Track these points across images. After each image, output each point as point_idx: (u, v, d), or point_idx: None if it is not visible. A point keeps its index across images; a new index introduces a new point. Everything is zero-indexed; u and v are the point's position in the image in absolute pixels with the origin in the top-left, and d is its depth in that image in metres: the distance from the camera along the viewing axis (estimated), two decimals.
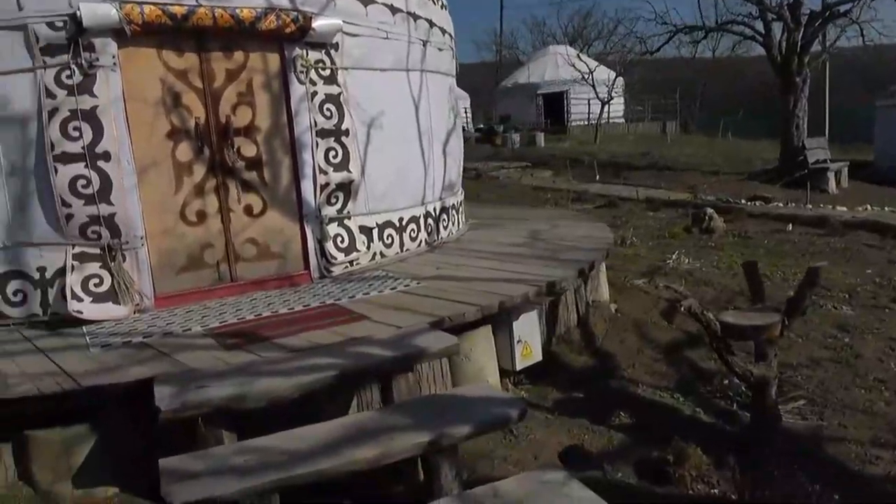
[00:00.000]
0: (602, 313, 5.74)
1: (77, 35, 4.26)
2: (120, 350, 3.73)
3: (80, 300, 4.37)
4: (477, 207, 9.54)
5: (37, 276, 4.44)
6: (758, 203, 12.28)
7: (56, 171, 4.28)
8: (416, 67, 6.07)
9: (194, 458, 2.68)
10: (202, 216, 4.84)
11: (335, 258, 5.26)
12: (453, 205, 6.93)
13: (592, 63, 30.77)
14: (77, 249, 4.44)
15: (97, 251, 4.46)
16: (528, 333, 4.66)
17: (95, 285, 4.43)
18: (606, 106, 28.46)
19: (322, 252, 5.24)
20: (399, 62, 5.84)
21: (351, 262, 5.42)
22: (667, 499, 3.34)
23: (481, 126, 28.74)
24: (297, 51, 5.01)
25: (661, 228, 10.24)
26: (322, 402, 3.30)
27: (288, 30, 4.85)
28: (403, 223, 5.97)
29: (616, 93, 29.60)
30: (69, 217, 4.36)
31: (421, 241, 6.22)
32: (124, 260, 4.51)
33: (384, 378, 3.37)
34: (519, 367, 4.62)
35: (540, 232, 7.02)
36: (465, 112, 30.42)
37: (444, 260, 5.71)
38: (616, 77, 29.08)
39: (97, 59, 4.32)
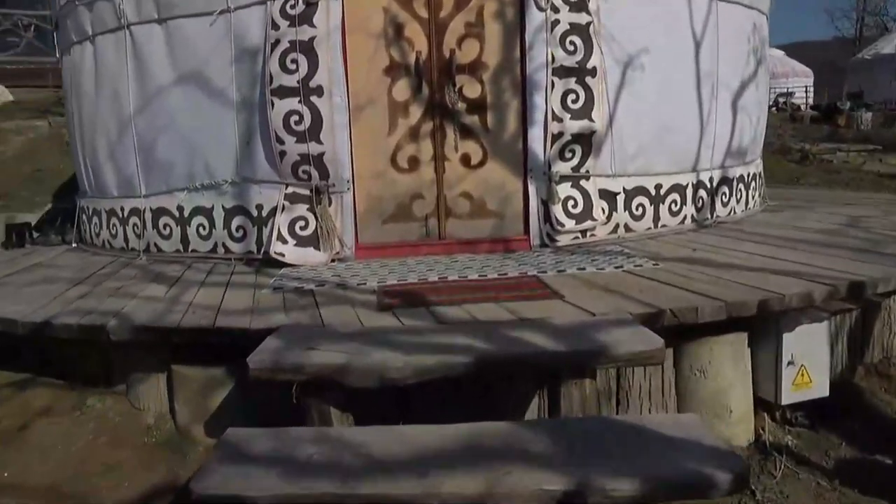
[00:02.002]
0: None
1: None
2: (285, 295, 3.41)
3: (284, 241, 4.21)
4: (788, 190, 7.61)
5: (255, 213, 4.41)
6: None
7: (273, 105, 4.14)
8: None
9: (265, 434, 2.13)
10: (414, 163, 4.34)
11: (562, 225, 4.34)
12: (741, 176, 5.42)
13: None
14: (290, 189, 4.28)
15: (307, 192, 4.25)
16: (809, 354, 3.21)
17: (301, 228, 4.24)
18: None
19: (547, 216, 4.36)
20: None
21: (583, 233, 4.44)
22: None
23: (818, 105, 24.19)
24: None
25: None
26: (461, 393, 2.51)
27: None
28: (661, 192, 4.76)
29: None
30: (282, 154, 4.20)
31: (685, 217, 4.93)
32: (330, 204, 4.23)
33: (551, 379, 2.42)
34: (786, 400, 3.20)
35: (862, 219, 5.11)
36: (806, 91, 25.98)
37: (710, 242, 4.38)
38: None
39: None
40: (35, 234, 6.22)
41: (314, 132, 4.11)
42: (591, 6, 4.30)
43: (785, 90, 24.91)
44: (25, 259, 5.21)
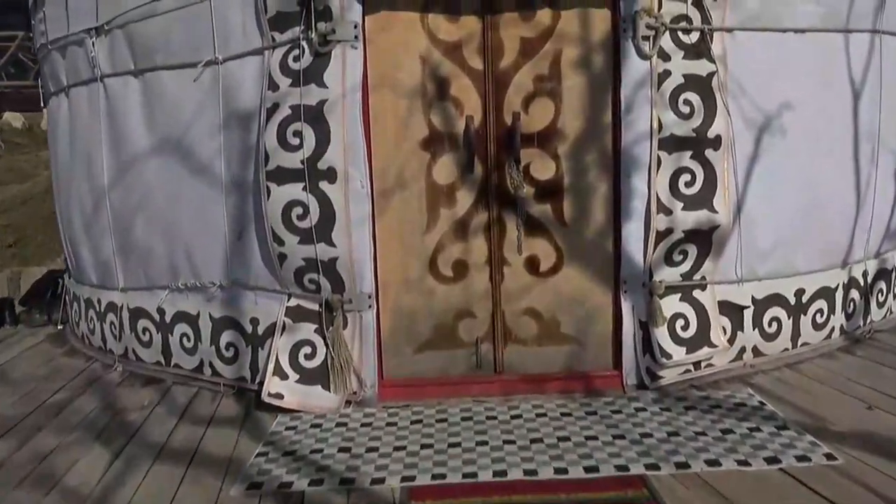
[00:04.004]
0: None
1: None
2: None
3: (284, 376, 3.09)
4: None
5: (249, 328, 3.32)
6: None
7: (269, 192, 3.02)
8: (864, 25, 3.40)
9: None
10: (462, 268, 3.15)
11: (668, 356, 3.07)
12: None
13: None
14: (292, 302, 3.16)
15: (315, 307, 3.12)
16: None
17: (307, 357, 3.11)
18: None
19: (647, 343, 3.10)
20: (832, 16, 3.29)
21: (696, 364, 3.16)
22: None
23: None
24: (641, 0, 2.91)
25: None
26: None
27: None
28: (803, 299, 3.44)
29: None
30: (282, 258, 3.09)
31: (832, 330, 3.60)
32: (345, 325, 3.08)
33: None
34: None
35: None
36: None
37: (884, 383, 3.04)
38: None
39: (333, 31, 2.89)
40: (19, 310, 5.30)
41: (324, 230, 2.97)
42: (716, 49, 3.02)
43: None
44: None
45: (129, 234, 3.71)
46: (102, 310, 3.99)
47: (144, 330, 3.74)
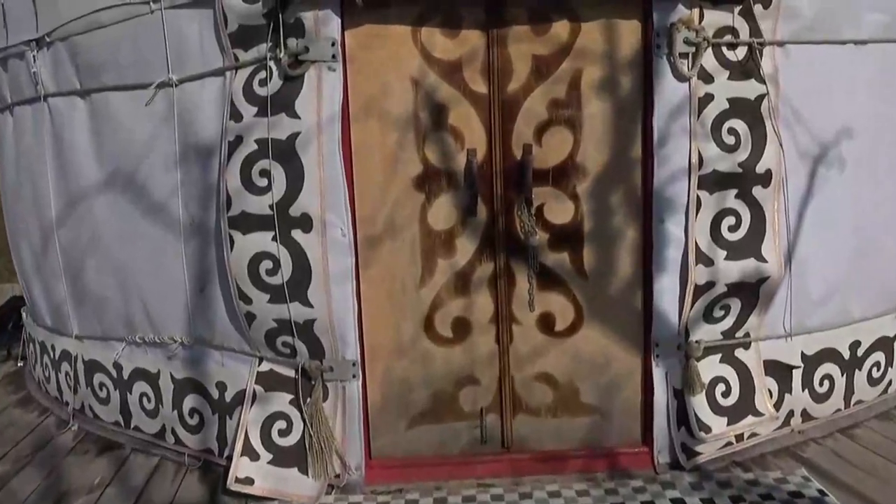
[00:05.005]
0: None
1: (277, 8, 2.37)
2: None
3: (254, 456, 2.62)
4: None
5: (215, 394, 2.84)
6: None
7: (232, 242, 2.53)
8: None
9: None
10: (463, 328, 2.67)
11: (708, 427, 2.60)
12: None
13: None
14: (264, 366, 2.69)
15: (290, 373, 2.65)
16: None
17: (281, 433, 2.64)
18: None
19: (682, 413, 2.64)
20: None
21: (739, 437, 2.70)
22: None
23: None
24: (678, 8, 2.41)
25: None
26: None
27: None
28: (859, 352, 2.97)
29: None
30: (250, 318, 2.61)
31: (889, 384, 3.13)
32: (325, 397, 2.60)
33: None
34: None
35: None
36: None
37: None
38: None
39: (306, 50, 2.39)
40: None
41: (298, 287, 2.49)
42: (766, 66, 2.52)
43: None
44: None
45: (81, 277, 3.23)
46: (57, 357, 3.52)
47: (101, 385, 3.27)
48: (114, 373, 3.19)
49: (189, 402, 2.92)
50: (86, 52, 2.89)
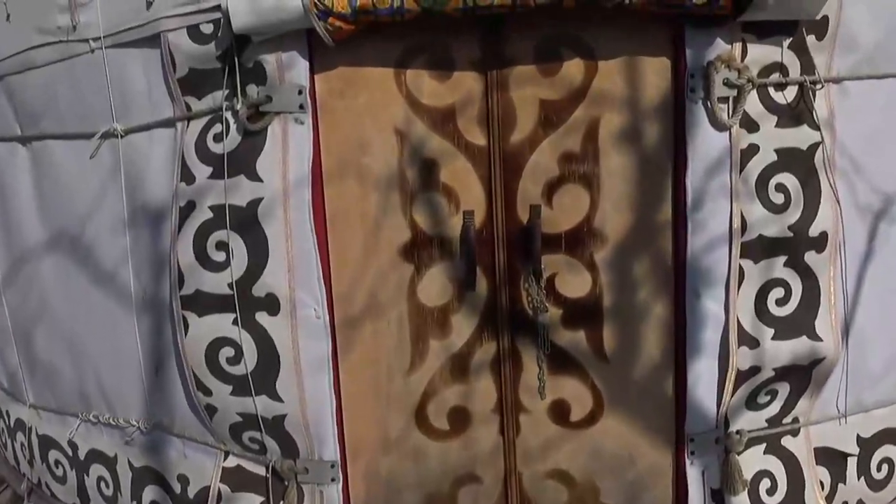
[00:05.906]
0: None
1: (232, 49, 1.98)
2: None
3: None
4: None
5: (177, 488, 2.47)
6: None
7: (186, 326, 2.15)
8: None
9: None
10: (462, 419, 2.28)
11: None
12: None
13: None
14: (230, 462, 2.32)
15: (260, 471, 2.27)
16: None
17: None
18: None
19: None
20: None
21: None
22: None
23: None
24: (717, 43, 1.99)
25: None
26: None
27: None
28: None
29: None
30: (211, 410, 2.23)
31: None
32: (300, 501, 2.22)
33: None
34: None
35: None
36: None
37: None
38: None
39: (268, 99, 1.99)
40: None
41: (264, 378, 2.11)
42: (820, 108, 2.10)
43: None
44: None
45: (32, 343, 2.87)
46: (12, 425, 3.16)
47: (57, 463, 2.91)
48: (69, 451, 2.83)
49: (149, 493, 2.55)
50: (22, 94, 2.51)
